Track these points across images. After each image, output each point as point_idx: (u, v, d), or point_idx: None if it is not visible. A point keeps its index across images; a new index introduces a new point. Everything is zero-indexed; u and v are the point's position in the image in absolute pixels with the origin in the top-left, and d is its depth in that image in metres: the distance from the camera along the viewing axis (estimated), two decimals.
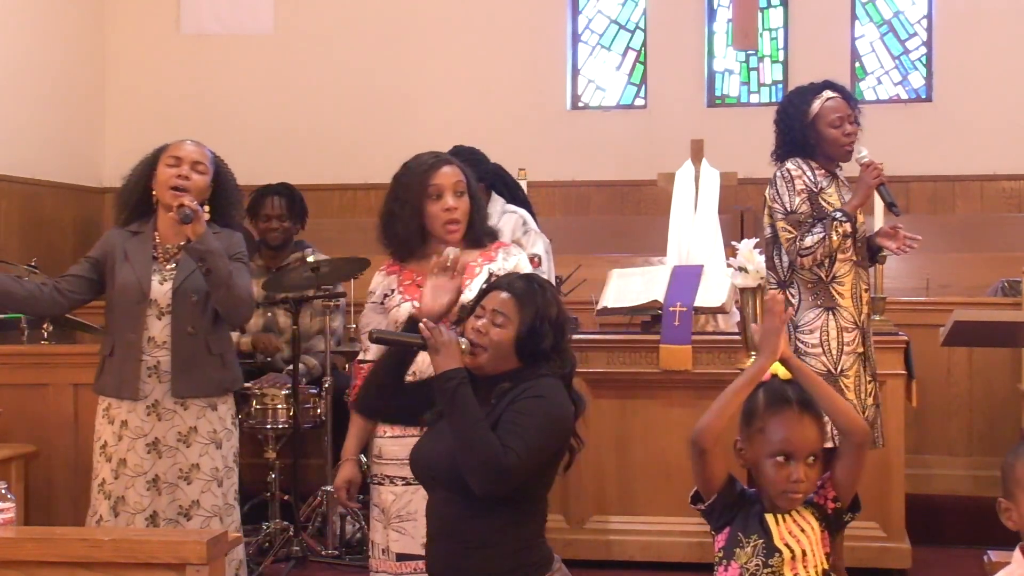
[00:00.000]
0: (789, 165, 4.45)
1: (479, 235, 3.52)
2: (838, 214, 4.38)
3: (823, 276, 4.42)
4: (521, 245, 4.78)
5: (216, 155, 4.02)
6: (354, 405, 3.44)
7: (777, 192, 4.44)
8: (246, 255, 4.01)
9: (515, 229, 4.93)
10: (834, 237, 4.36)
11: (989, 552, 2.98)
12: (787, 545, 2.60)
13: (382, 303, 3.51)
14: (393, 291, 3.49)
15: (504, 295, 2.83)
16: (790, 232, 4.40)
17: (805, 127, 4.46)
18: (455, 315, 3.36)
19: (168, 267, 3.91)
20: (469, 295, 3.41)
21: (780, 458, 2.58)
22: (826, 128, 4.46)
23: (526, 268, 3.55)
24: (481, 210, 3.56)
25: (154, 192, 3.92)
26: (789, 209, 4.40)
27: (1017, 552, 2.42)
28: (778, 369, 2.67)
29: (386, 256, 3.63)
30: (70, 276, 3.97)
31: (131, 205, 3.98)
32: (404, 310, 3.41)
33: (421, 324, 2.80)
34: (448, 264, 3.18)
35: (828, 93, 4.49)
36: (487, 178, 4.90)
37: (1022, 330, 4.52)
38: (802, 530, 2.62)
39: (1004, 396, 5.98)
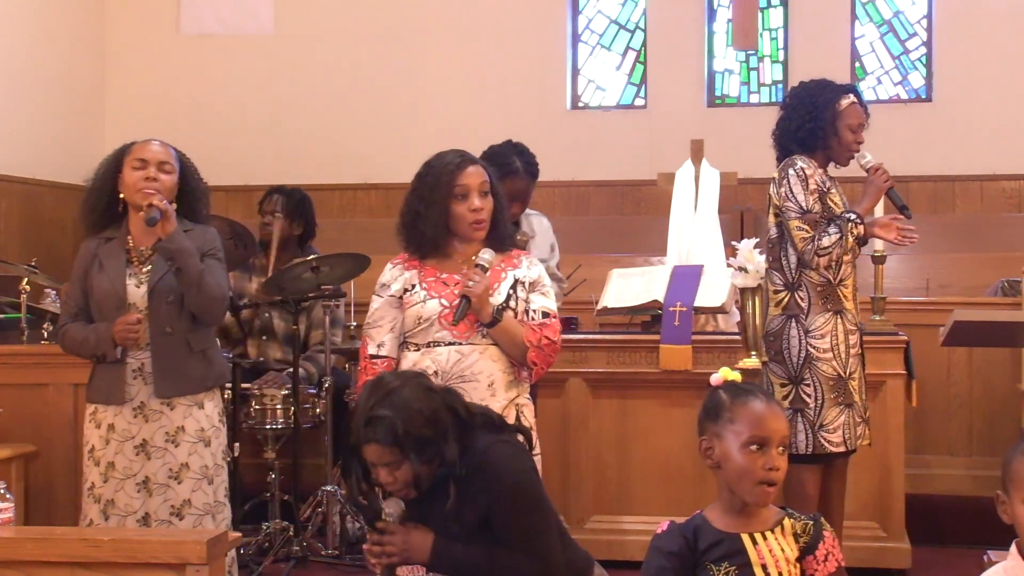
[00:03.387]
0: (800, 163, 4.36)
1: (502, 235, 3.53)
2: (852, 216, 4.33)
3: (832, 279, 4.37)
4: (554, 247, 4.91)
5: (180, 152, 3.98)
6: None
7: (790, 191, 4.33)
8: (221, 251, 3.99)
9: (547, 231, 4.95)
10: (849, 239, 4.31)
11: (989, 552, 2.98)
12: (763, 566, 2.52)
13: (400, 297, 3.49)
14: (415, 287, 3.47)
15: (373, 448, 2.81)
16: (807, 231, 4.29)
17: (825, 119, 4.39)
18: (489, 316, 3.37)
19: (143, 270, 3.90)
20: (499, 298, 3.42)
21: (754, 447, 2.52)
22: (845, 129, 4.41)
23: (547, 279, 3.57)
24: (504, 211, 3.56)
25: (122, 196, 3.90)
26: (804, 208, 4.30)
27: (1013, 548, 2.42)
28: (730, 374, 2.66)
29: (391, 254, 3.62)
30: (82, 312, 3.95)
31: (99, 210, 3.95)
32: (430, 307, 3.40)
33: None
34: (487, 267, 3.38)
35: (853, 97, 4.47)
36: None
37: (1022, 330, 4.52)
38: (782, 549, 2.54)
39: (1004, 396, 5.98)
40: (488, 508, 2.76)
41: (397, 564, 2.76)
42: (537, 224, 4.94)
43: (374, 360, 3.49)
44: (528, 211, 4.96)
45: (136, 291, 3.88)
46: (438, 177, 3.46)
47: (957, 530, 5.49)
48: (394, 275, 3.53)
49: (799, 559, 2.55)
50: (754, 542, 2.54)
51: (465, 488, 2.77)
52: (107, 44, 8.52)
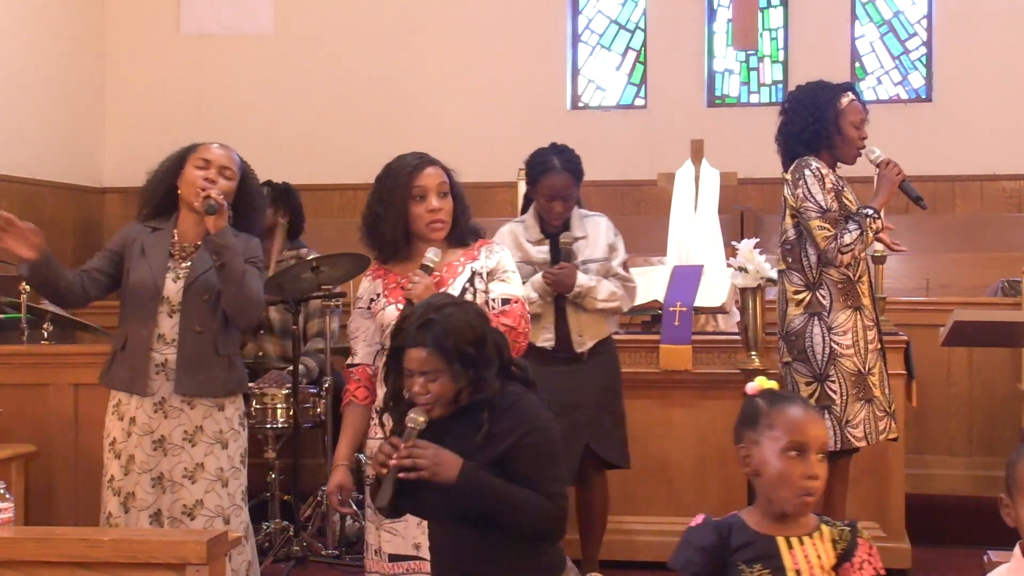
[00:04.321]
0: (815, 163, 4.39)
1: (463, 234, 3.54)
2: (869, 211, 4.37)
3: (851, 276, 4.39)
4: (615, 248, 4.73)
5: (244, 161, 4.03)
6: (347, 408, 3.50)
7: (808, 191, 4.34)
8: (262, 261, 4.03)
9: (608, 232, 4.77)
10: (870, 234, 4.35)
11: (989, 552, 2.98)
12: (797, 572, 2.47)
13: (368, 308, 3.53)
14: (379, 295, 3.51)
15: (421, 353, 2.77)
16: (828, 230, 4.32)
17: (829, 119, 4.41)
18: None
19: (183, 265, 3.93)
20: (453, 293, 3.42)
21: (793, 452, 2.48)
22: (849, 126, 4.44)
23: (509, 264, 3.56)
24: (465, 210, 3.57)
25: (179, 191, 3.95)
26: (824, 207, 4.33)
27: (1017, 550, 2.42)
28: (766, 383, 2.64)
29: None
30: (94, 271, 3.97)
31: (154, 202, 4.01)
32: (389, 313, 3.43)
33: (400, 475, 2.73)
34: (431, 267, 3.38)
35: (851, 94, 4.49)
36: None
37: (1022, 330, 4.52)
38: (818, 556, 2.49)
39: (1004, 396, 5.98)
40: (509, 449, 2.76)
41: (425, 478, 2.71)
42: (592, 226, 4.77)
43: (350, 369, 3.57)
44: (584, 212, 4.82)
45: (173, 285, 3.90)
46: (396, 179, 3.48)
47: (957, 530, 5.49)
48: (364, 287, 3.58)
49: (835, 567, 2.51)
50: (789, 546, 2.50)
51: (491, 425, 2.77)
52: (107, 44, 8.52)
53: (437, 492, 2.74)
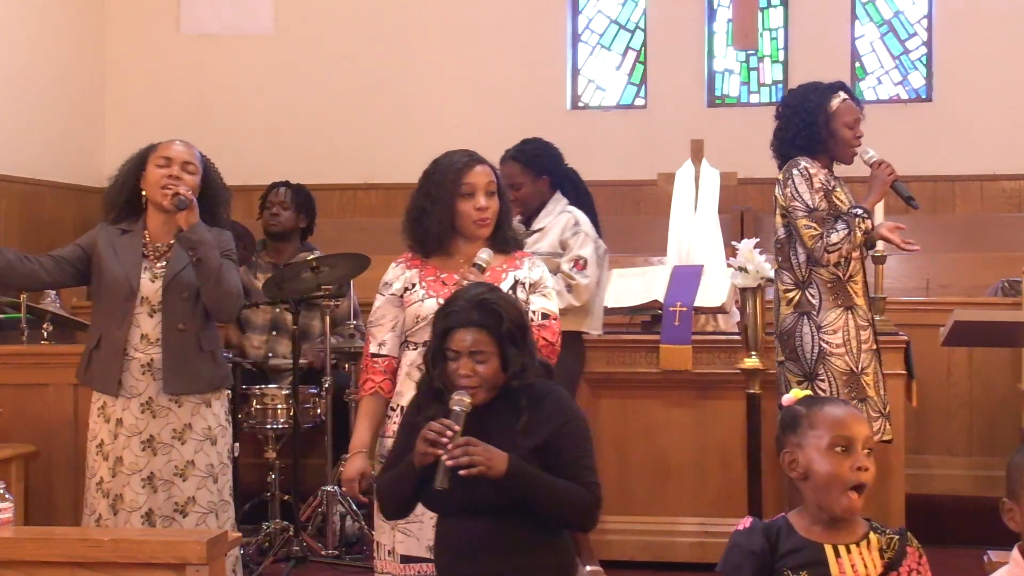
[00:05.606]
0: (804, 163, 4.40)
1: (504, 237, 3.54)
2: (859, 211, 4.38)
3: (841, 275, 4.41)
4: (568, 245, 4.71)
5: (204, 155, 4.02)
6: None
7: (796, 190, 4.37)
8: (235, 253, 4.03)
9: (565, 228, 4.75)
10: (858, 234, 4.35)
11: (989, 552, 2.98)
12: None
13: (401, 296, 3.50)
14: (415, 285, 3.48)
15: (473, 334, 2.81)
16: (815, 229, 4.34)
17: (820, 123, 4.43)
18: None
19: (158, 265, 3.93)
20: None
21: (838, 448, 2.46)
22: (842, 127, 4.46)
23: (550, 281, 3.56)
24: (508, 212, 3.57)
25: (143, 192, 3.94)
26: (811, 206, 4.35)
27: (1015, 552, 2.41)
28: (801, 393, 2.63)
29: (392, 254, 3.63)
30: (56, 257, 3.98)
31: (119, 205, 4.00)
32: (428, 307, 3.39)
33: (462, 472, 2.73)
34: (484, 266, 3.37)
35: (843, 94, 4.50)
36: (553, 174, 4.82)
37: (1022, 330, 4.52)
38: (865, 565, 2.46)
39: (1004, 396, 5.98)
40: (550, 436, 2.79)
41: (477, 472, 2.72)
42: (553, 220, 4.78)
43: (375, 359, 3.48)
44: (563, 207, 4.80)
45: (150, 285, 3.90)
46: (445, 175, 3.47)
47: (957, 530, 5.49)
48: (396, 274, 3.54)
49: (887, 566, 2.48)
50: (837, 554, 2.47)
51: (530, 413, 2.81)
52: (107, 44, 8.51)
53: (486, 483, 2.75)
